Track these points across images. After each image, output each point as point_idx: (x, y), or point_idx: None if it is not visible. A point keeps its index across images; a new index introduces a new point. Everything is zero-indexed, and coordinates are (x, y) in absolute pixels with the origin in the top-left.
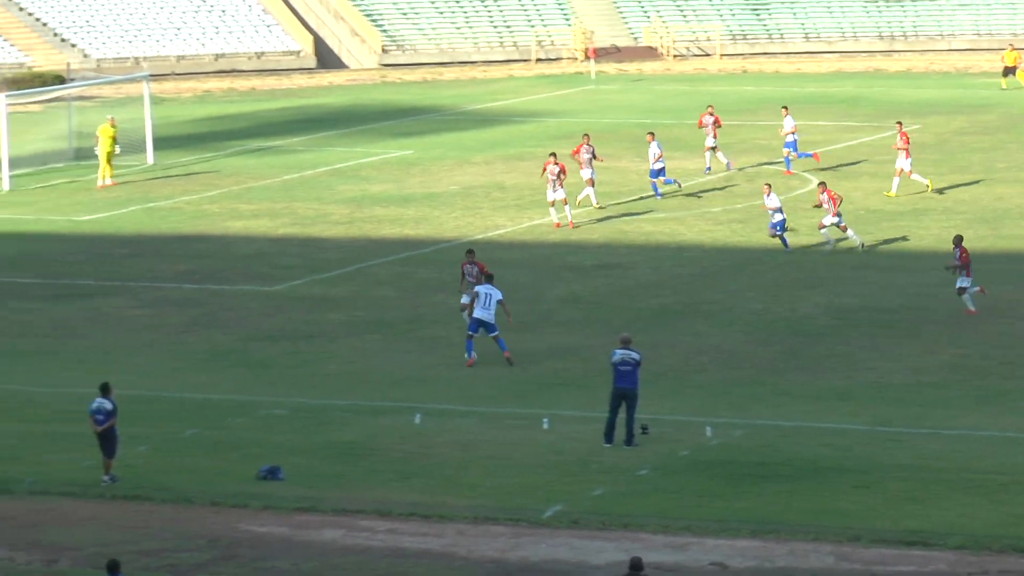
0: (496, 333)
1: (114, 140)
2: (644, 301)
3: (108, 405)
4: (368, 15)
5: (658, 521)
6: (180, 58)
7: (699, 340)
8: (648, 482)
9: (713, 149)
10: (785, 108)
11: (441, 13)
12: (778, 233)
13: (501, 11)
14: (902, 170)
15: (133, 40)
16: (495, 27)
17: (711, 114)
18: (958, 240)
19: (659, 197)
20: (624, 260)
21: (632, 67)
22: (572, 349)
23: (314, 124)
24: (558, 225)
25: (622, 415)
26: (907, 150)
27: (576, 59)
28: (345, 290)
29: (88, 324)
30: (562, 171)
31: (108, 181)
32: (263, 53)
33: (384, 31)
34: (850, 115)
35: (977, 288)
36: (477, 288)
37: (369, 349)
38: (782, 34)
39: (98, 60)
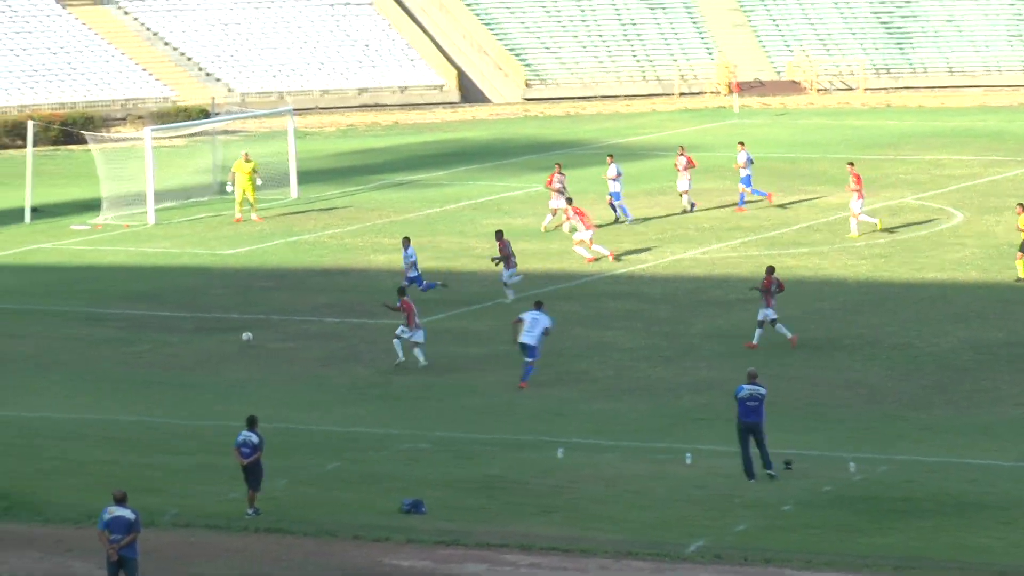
0: (532, 359)
1: (252, 175)
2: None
3: (254, 438)
4: (512, 50)
5: (801, 556)
6: (324, 92)
7: (841, 374)
8: (791, 517)
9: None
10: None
11: (584, 48)
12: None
13: (644, 45)
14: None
15: (277, 75)
16: (637, 61)
17: (682, 155)
18: None
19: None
20: None
21: (775, 101)
22: (715, 383)
23: (457, 158)
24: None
25: (755, 448)
26: (859, 191)
27: (719, 93)
28: (487, 324)
29: (231, 357)
30: (580, 215)
31: (253, 216)
32: (407, 87)
33: (528, 65)
34: (994, 149)
35: None
36: (523, 315)
37: (511, 383)
38: (926, 68)
39: (242, 94)
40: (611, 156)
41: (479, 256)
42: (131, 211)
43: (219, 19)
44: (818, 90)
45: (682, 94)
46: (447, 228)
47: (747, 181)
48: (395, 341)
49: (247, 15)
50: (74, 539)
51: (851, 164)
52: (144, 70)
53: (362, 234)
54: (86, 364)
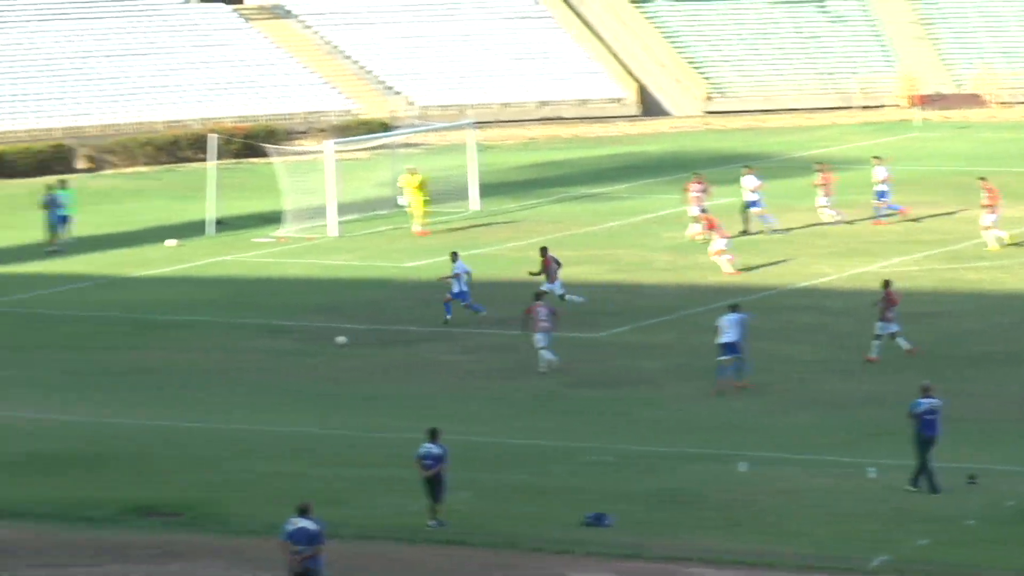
0: (739, 355)
1: (420, 189)
2: (968, 349)
3: (436, 450)
4: (692, 63)
5: (985, 572)
6: (504, 105)
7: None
8: (975, 532)
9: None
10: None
11: (764, 61)
12: None
13: (825, 58)
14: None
15: (458, 88)
16: (818, 74)
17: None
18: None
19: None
20: (949, 308)
21: (957, 114)
22: (897, 397)
23: (637, 171)
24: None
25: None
26: (991, 206)
27: (900, 106)
28: (668, 337)
29: (413, 369)
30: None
31: (415, 229)
32: (587, 100)
33: (708, 79)
34: None
35: None
36: (720, 319)
37: (692, 396)
38: None
39: (423, 108)
40: (748, 167)
41: (659, 269)
42: (313, 224)
43: (400, 32)
44: (1000, 103)
45: (863, 107)
46: (627, 241)
47: (883, 195)
48: (541, 351)
49: (429, 28)
50: (259, 550)
51: (983, 179)
52: (326, 83)
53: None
54: (268, 376)
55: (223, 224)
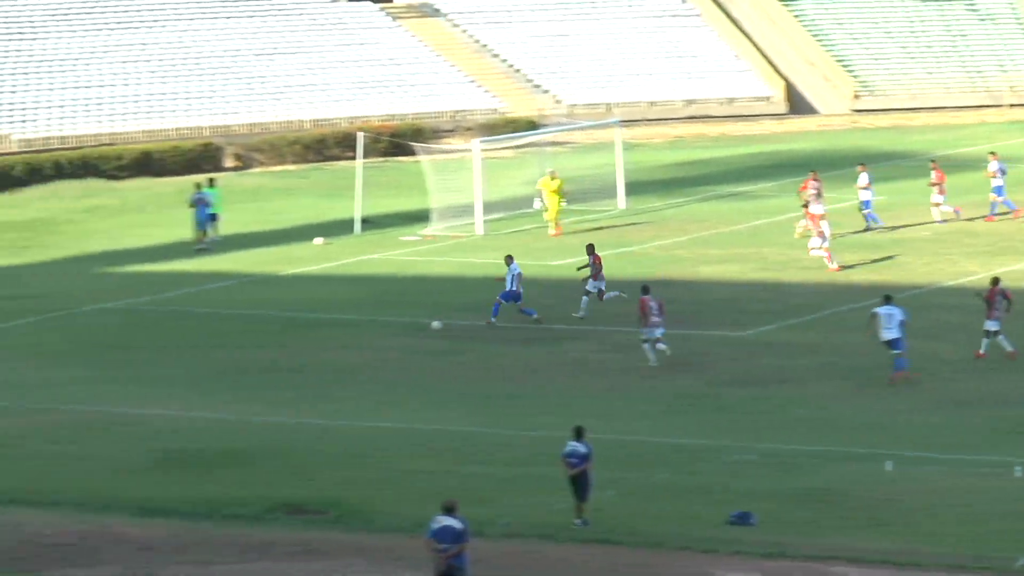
0: (901, 351)
1: (559, 193)
2: None
3: (582, 448)
4: (840, 61)
5: None
6: (651, 104)
7: None
8: None
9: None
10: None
11: (913, 58)
12: None
13: (972, 56)
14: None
15: (605, 86)
16: (966, 72)
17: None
18: None
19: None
20: None
21: None
22: None
23: (784, 169)
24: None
25: None
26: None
27: None
28: (815, 336)
29: (558, 368)
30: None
31: (551, 231)
32: (734, 99)
33: (856, 77)
34: None
35: None
36: (877, 310)
37: (839, 395)
38: None
39: (570, 106)
40: (863, 165)
41: (805, 268)
42: (459, 222)
43: (548, 31)
44: None
45: (1012, 105)
46: (774, 239)
47: (999, 191)
48: (644, 345)
49: (576, 27)
50: (404, 548)
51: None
52: (473, 82)
53: (689, 245)
54: (415, 374)
55: (369, 222)
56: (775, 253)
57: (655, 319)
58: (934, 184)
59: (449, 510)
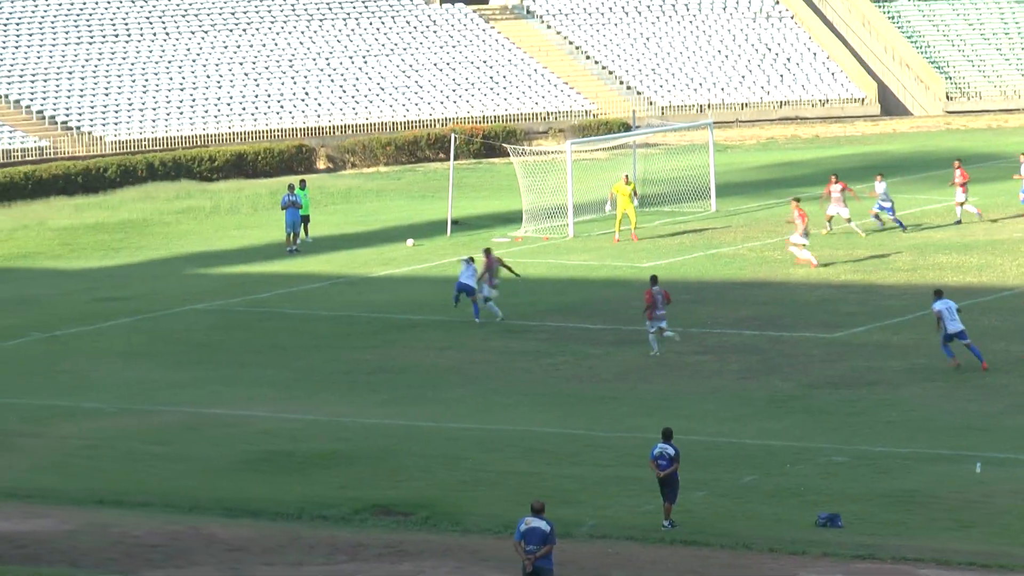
0: (969, 340)
1: (631, 198)
2: None
3: (671, 450)
4: (933, 62)
5: None
6: (744, 105)
7: None
8: None
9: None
10: None
11: (1007, 60)
12: None
13: None
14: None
15: (698, 88)
16: None
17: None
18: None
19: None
20: None
21: None
22: None
23: (877, 171)
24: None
25: None
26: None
27: None
28: (907, 337)
29: (651, 369)
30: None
31: (617, 236)
32: (827, 100)
33: (949, 78)
34: None
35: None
36: (936, 305)
37: (930, 397)
38: None
39: (663, 107)
40: (880, 175)
41: (898, 269)
42: (551, 224)
43: (640, 32)
44: None
45: None
46: (867, 241)
47: None
48: (650, 336)
49: (668, 28)
50: (491, 550)
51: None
52: (566, 83)
53: (781, 247)
54: (506, 376)
55: (460, 224)
56: (868, 254)
57: (660, 311)
58: (957, 183)
59: (538, 511)
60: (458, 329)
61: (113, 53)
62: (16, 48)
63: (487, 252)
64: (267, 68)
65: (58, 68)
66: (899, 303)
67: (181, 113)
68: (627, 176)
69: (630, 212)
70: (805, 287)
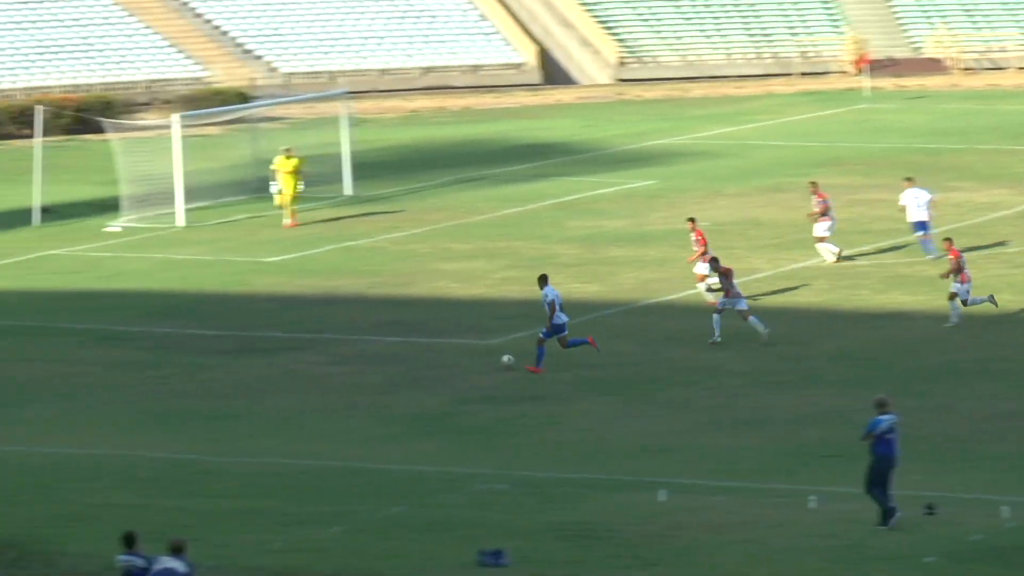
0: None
1: (296, 174)
2: (927, 358)
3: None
4: (602, 22)
5: None
6: (383, 72)
7: (992, 404)
8: (936, 570)
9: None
10: None
11: (688, 19)
12: None
13: (758, 17)
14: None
15: (328, 52)
16: (751, 36)
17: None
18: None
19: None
20: (904, 309)
21: (912, 82)
22: (841, 414)
23: (539, 150)
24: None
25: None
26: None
27: (846, 73)
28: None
29: (276, 383)
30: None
31: (286, 221)
32: (479, 66)
33: (621, 40)
34: None
35: None
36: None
37: (605, 413)
38: None
39: (287, 75)
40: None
41: (565, 264)
42: (157, 211)
43: None
44: (963, 70)
45: (803, 74)
46: (528, 232)
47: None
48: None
49: None
50: None
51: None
52: (172, 47)
53: (428, 238)
54: (105, 392)
55: (51, 212)
56: (528, 247)
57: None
58: (816, 212)
59: (177, 550)
60: (45, 336)
61: None
62: None
63: None
64: None
65: None
66: (567, 303)
67: None
68: (288, 150)
69: (288, 193)
70: (456, 285)
